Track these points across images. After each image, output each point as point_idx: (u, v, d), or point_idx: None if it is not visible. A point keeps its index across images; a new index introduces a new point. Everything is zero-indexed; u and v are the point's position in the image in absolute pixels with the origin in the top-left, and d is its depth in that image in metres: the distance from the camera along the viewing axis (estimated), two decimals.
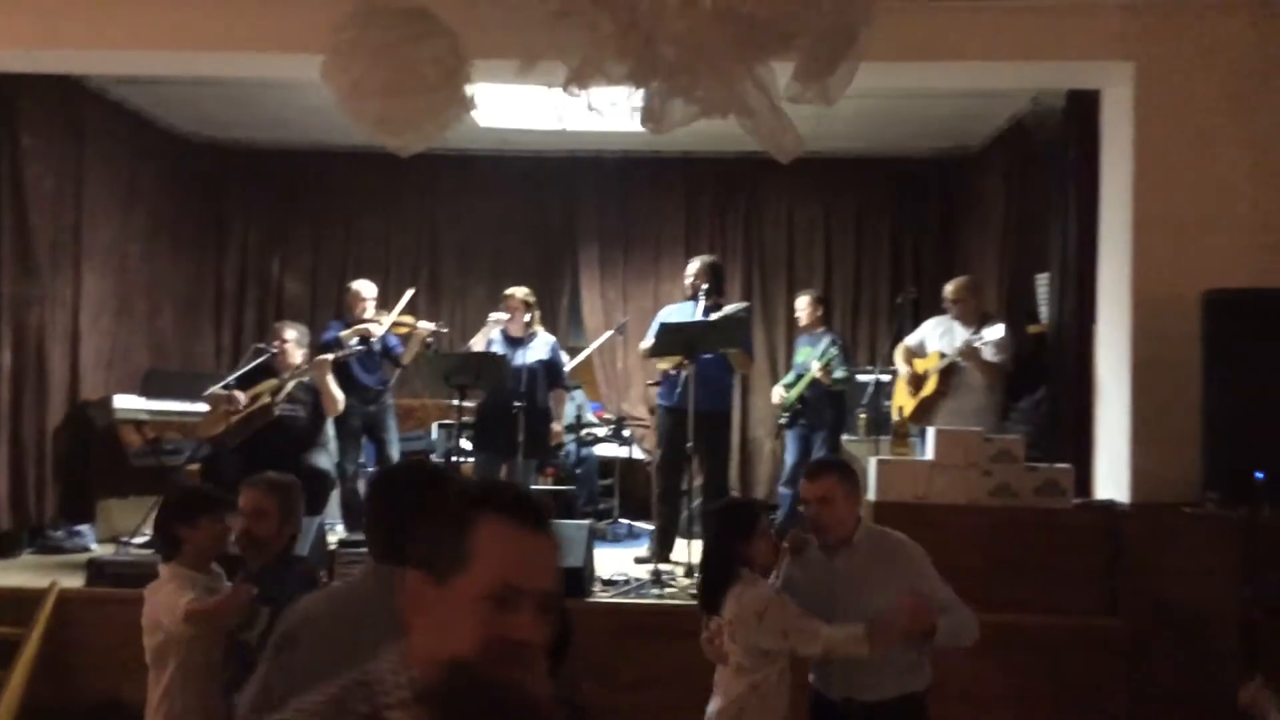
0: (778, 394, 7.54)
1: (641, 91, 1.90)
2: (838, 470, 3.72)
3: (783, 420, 7.56)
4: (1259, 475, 4.94)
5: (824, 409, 7.35)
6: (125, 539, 6.74)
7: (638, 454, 8.39)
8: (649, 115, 2.01)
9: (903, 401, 6.84)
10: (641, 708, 5.22)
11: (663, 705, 5.08)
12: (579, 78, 1.93)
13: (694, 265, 7.07)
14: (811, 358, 7.29)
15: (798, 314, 7.67)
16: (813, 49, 1.93)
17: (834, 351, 7.16)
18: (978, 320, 6.71)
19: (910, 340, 7.06)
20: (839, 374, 7.19)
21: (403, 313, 7.50)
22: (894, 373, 7.05)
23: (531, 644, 1.44)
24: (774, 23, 1.76)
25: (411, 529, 1.58)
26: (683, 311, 6.94)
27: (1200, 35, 5.78)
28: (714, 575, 3.64)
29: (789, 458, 7.65)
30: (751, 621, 3.46)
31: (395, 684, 1.48)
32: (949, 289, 6.91)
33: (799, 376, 7.41)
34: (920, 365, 6.80)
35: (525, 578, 1.45)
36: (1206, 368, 5.32)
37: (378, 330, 7.28)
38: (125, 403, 7.68)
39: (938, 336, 6.85)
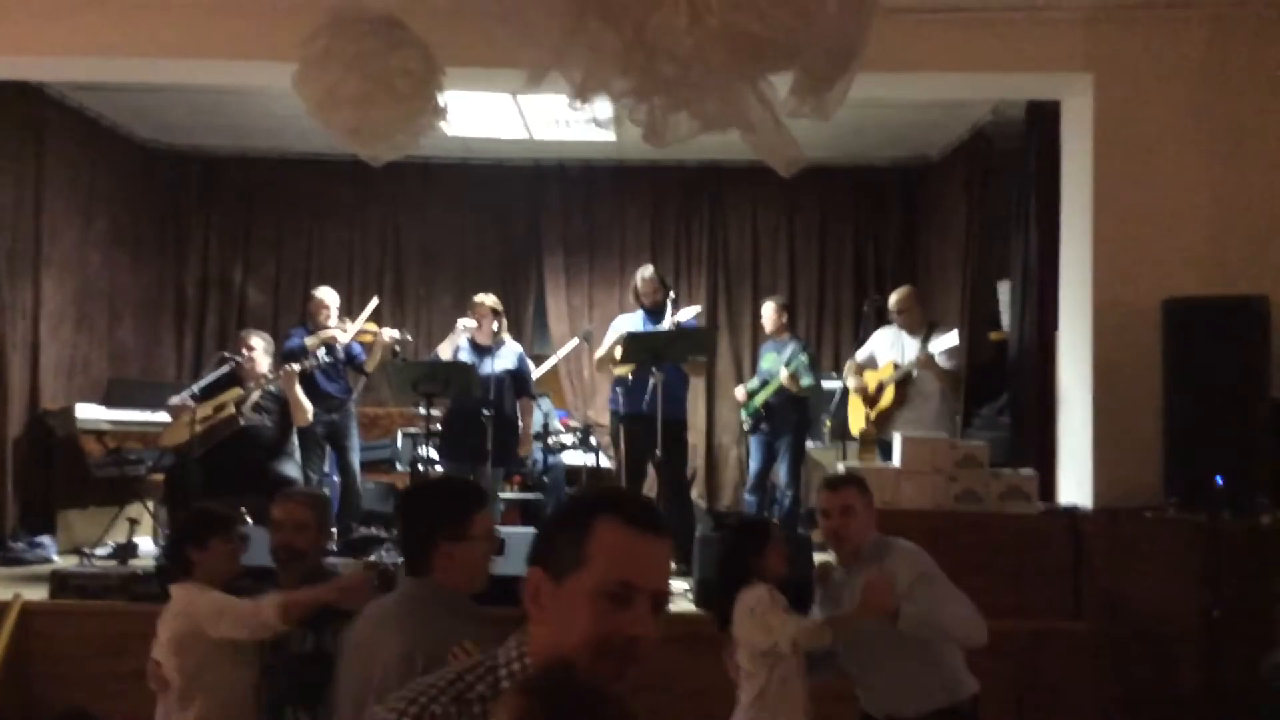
0: (740, 393, 7.55)
1: (645, 106, 1.93)
2: (857, 482, 3.82)
3: (746, 425, 7.59)
4: (1219, 480, 5.04)
5: (788, 415, 7.38)
6: (87, 550, 6.65)
7: (604, 462, 8.40)
8: (650, 129, 2.04)
9: (857, 415, 6.91)
10: None
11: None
12: (583, 92, 1.95)
13: (648, 274, 7.10)
14: (778, 364, 7.32)
15: (763, 320, 7.69)
16: (812, 66, 1.97)
17: (802, 359, 7.20)
18: (925, 328, 6.82)
19: (860, 355, 7.15)
20: (806, 381, 7.22)
21: (367, 320, 7.46)
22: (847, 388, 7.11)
23: (644, 639, 1.52)
24: (777, 41, 1.79)
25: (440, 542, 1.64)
26: (635, 321, 6.98)
27: (1158, 47, 5.90)
28: (729, 589, 3.67)
29: (753, 464, 7.68)
30: (745, 618, 3.52)
31: (509, 672, 1.59)
32: (894, 299, 7.00)
33: (764, 382, 7.44)
34: (873, 377, 6.87)
35: (640, 576, 1.55)
36: (1166, 374, 5.44)
37: (343, 338, 7.23)
38: (86, 412, 7.58)
39: (888, 347, 6.94)
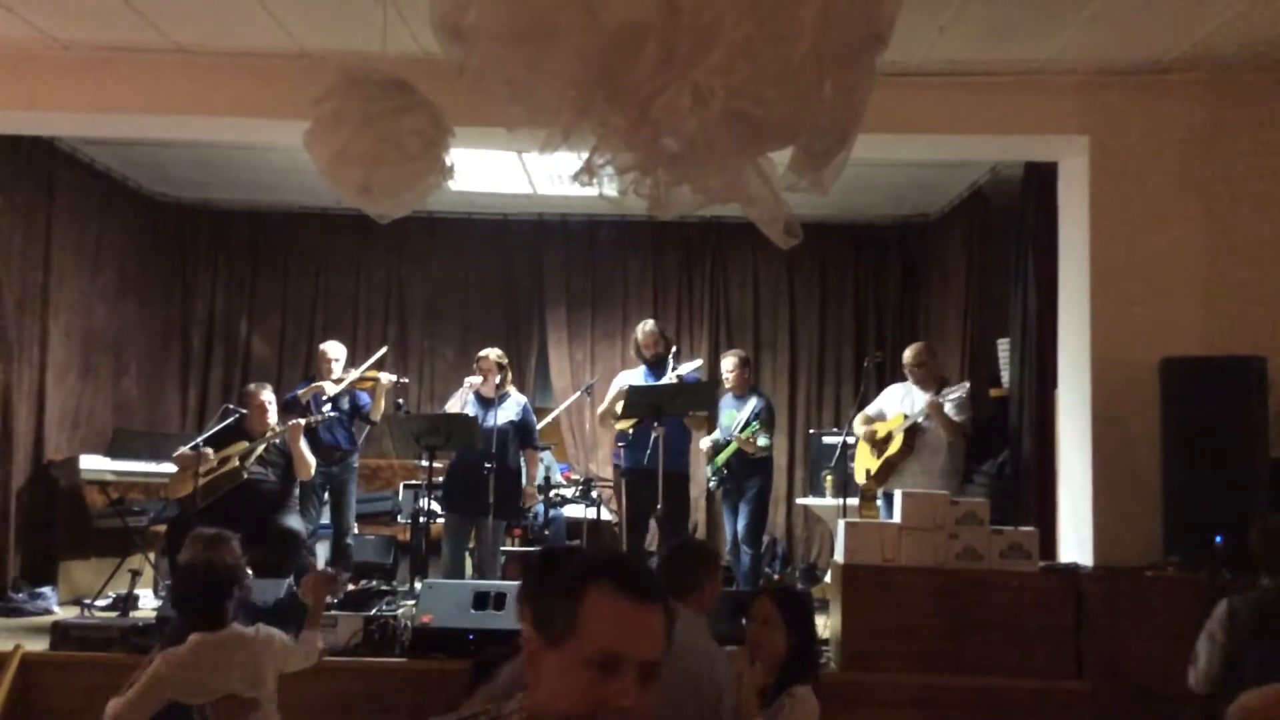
0: (706, 445, 7.38)
1: (648, 179, 2.00)
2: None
3: (712, 483, 7.48)
4: (1218, 539, 5.06)
5: (750, 476, 7.25)
6: (88, 601, 6.65)
7: (605, 515, 8.41)
8: (654, 202, 2.11)
9: (867, 464, 6.90)
10: None
11: None
12: (589, 168, 2.02)
13: (649, 328, 7.15)
14: (734, 422, 7.28)
15: (724, 376, 7.49)
16: (810, 144, 2.04)
17: (755, 425, 7.13)
18: (936, 384, 6.82)
19: (870, 409, 7.09)
20: (763, 442, 7.14)
21: (369, 368, 7.50)
22: (856, 438, 7.08)
23: (629, 710, 1.50)
24: (776, 123, 1.86)
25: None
26: (637, 375, 7.02)
27: (1153, 110, 6.01)
28: None
29: (728, 528, 7.55)
30: None
31: None
32: (908, 355, 7.00)
33: (727, 441, 7.27)
34: (883, 427, 6.88)
35: (628, 645, 1.52)
36: (1165, 434, 5.47)
37: (331, 389, 7.26)
38: (91, 463, 7.61)
39: (898, 401, 6.94)
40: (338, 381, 7.34)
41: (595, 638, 1.52)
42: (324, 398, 7.25)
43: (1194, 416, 5.36)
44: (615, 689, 1.50)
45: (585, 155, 1.98)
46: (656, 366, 7.02)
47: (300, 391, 7.22)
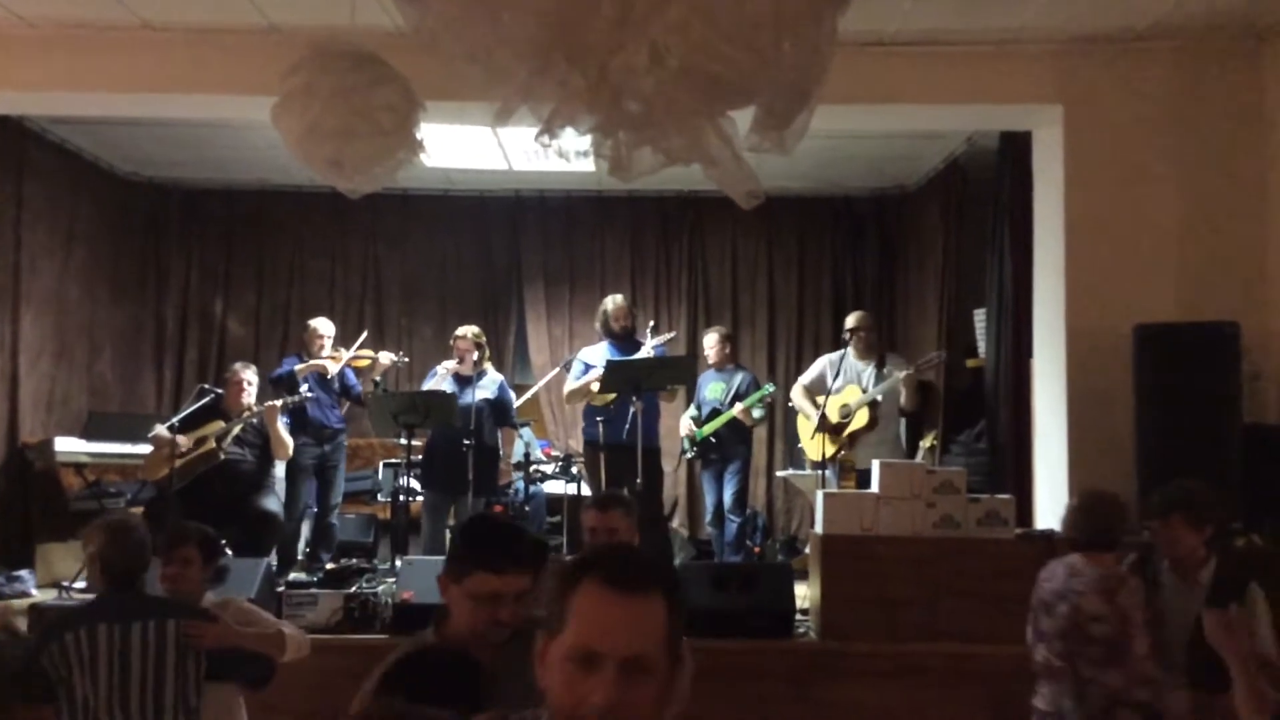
0: (686, 425, 7.47)
1: (609, 140, 1.99)
2: (623, 504, 3.73)
3: (689, 454, 7.54)
4: None
5: (735, 444, 7.37)
6: (66, 583, 6.62)
7: (586, 491, 8.41)
8: (616, 164, 2.09)
9: (812, 438, 6.93)
10: None
11: None
12: (550, 128, 2.01)
13: (619, 301, 7.17)
14: (724, 394, 7.32)
15: (706, 351, 7.60)
16: (771, 104, 2.03)
17: (769, 388, 7.27)
18: (875, 354, 6.92)
19: (805, 379, 7.20)
20: (758, 414, 7.27)
21: (360, 348, 7.48)
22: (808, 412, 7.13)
23: (603, 706, 1.47)
24: (735, 80, 1.85)
25: None
26: (601, 352, 7.01)
27: (1126, 79, 6.02)
28: None
29: (710, 497, 7.62)
30: None
31: None
32: (851, 320, 7.08)
33: (713, 411, 7.37)
34: (835, 401, 6.91)
35: (605, 641, 1.50)
36: (1139, 399, 5.51)
37: (333, 368, 7.23)
38: (66, 445, 7.56)
39: (840, 373, 7.01)
40: (334, 359, 7.29)
41: (576, 633, 1.51)
42: (329, 377, 7.21)
43: (1168, 383, 5.40)
44: (591, 685, 1.48)
45: (545, 116, 1.97)
46: (624, 341, 6.99)
47: (297, 368, 7.14)
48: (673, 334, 7.81)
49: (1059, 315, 6.06)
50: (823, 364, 7.20)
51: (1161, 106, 6.02)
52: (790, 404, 8.94)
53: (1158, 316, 5.62)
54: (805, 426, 7.09)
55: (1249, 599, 3.62)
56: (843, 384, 6.96)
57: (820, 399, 6.92)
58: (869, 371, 6.95)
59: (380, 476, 8.55)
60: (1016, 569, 5.56)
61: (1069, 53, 6.01)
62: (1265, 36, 5.94)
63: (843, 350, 7.02)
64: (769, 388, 7.32)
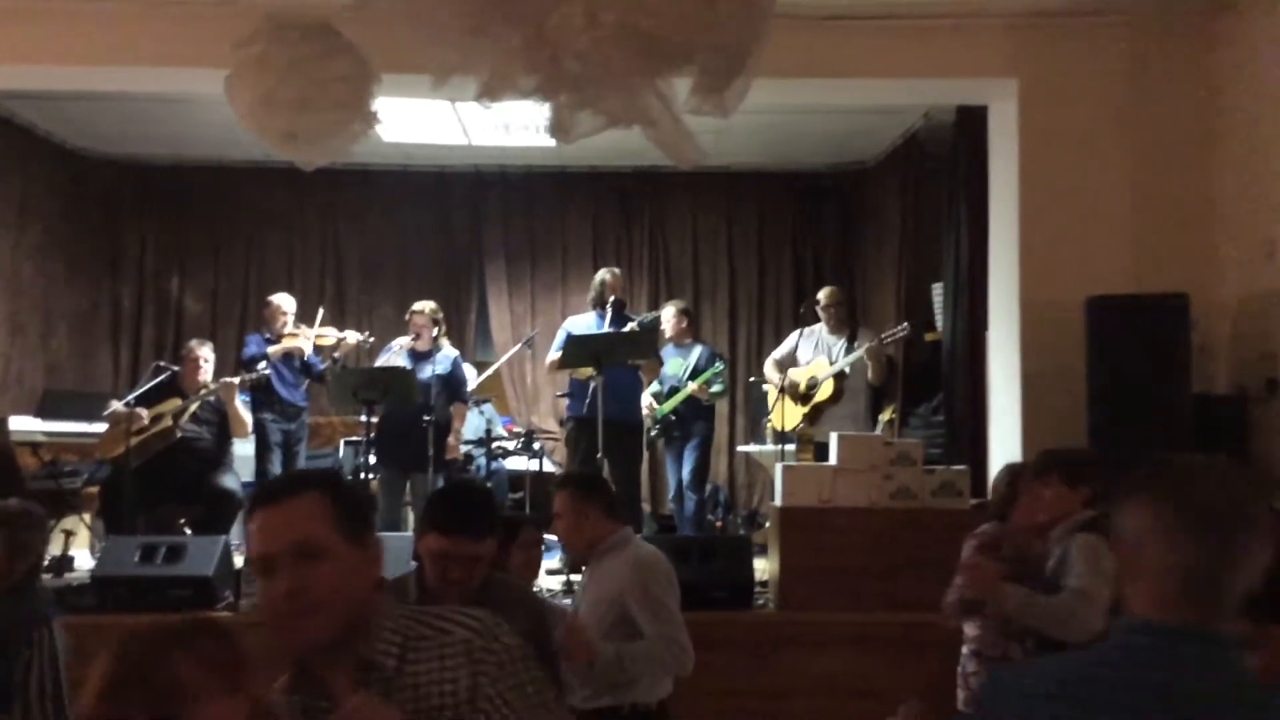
0: (647, 402, 7.34)
1: (549, 104, 2.00)
2: (571, 485, 3.74)
3: (654, 431, 7.54)
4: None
5: (695, 421, 7.33)
6: None
7: (548, 467, 8.43)
8: (557, 126, 2.11)
9: (783, 412, 6.97)
10: None
11: None
12: (489, 91, 2.01)
13: (617, 271, 7.19)
14: (682, 369, 7.29)
15: (663, 325, 7.47)
16: (709, 65, 2.04)
17: (717, 367, 7.22)
18: (845, 328, 6.97)
19: (778, 353, 7.24)
20: (716, 389, 7.25)
21: (323, 326, 7.43)
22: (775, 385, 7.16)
23: (284, 591, 1.67)
24: (672, 40, 1.86)
25: None
26: (586, 323, 6.99)
27: (1081, 53, 6.07)
28: None
29: (671, 476, 7.64)
30: None
31: None
32: (823, 296, 7.13)
33: (672, 389, 7.32)
34: (803, 374, 6.97)
35: (266, 544, 1.72)
36: (1090, 371, 5.58)
37: (307, 347, 7.17)
38: (21, 424, 7.47)
39: (810, 347, 7.06)
40: (292, 336, 7.22)
41: (252, 549, 1.76)
42: (307, 358, 7.16)
43: (1117, 354, 5.47)
44: (274, 584, 1.69)
45: (485, 78, 1.98)
46: (615, 314, 6.89)
47: (271, 350, 7.06)
48: (657, 314, 7.75)
49: (1013, 288, 6.13)
50: (795, 338, 7.24)
51: (1115, 80, 6.07)
52: (751, 379, 9.03)
53: (1110, 289, 5.68)
54: (778, 401, 7.11)
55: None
56: (814, 357, 7.01)
57: (789, 371, 6.98)
58: (840, 345, 7.00)
59: (341, 455, 8.52)
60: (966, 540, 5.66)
61: (1024, 26, 6.05)
62: (1218, 9, 6.01)
63: (817, 325, 7.10)
64: (719, 365, 7.29)
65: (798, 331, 7.29)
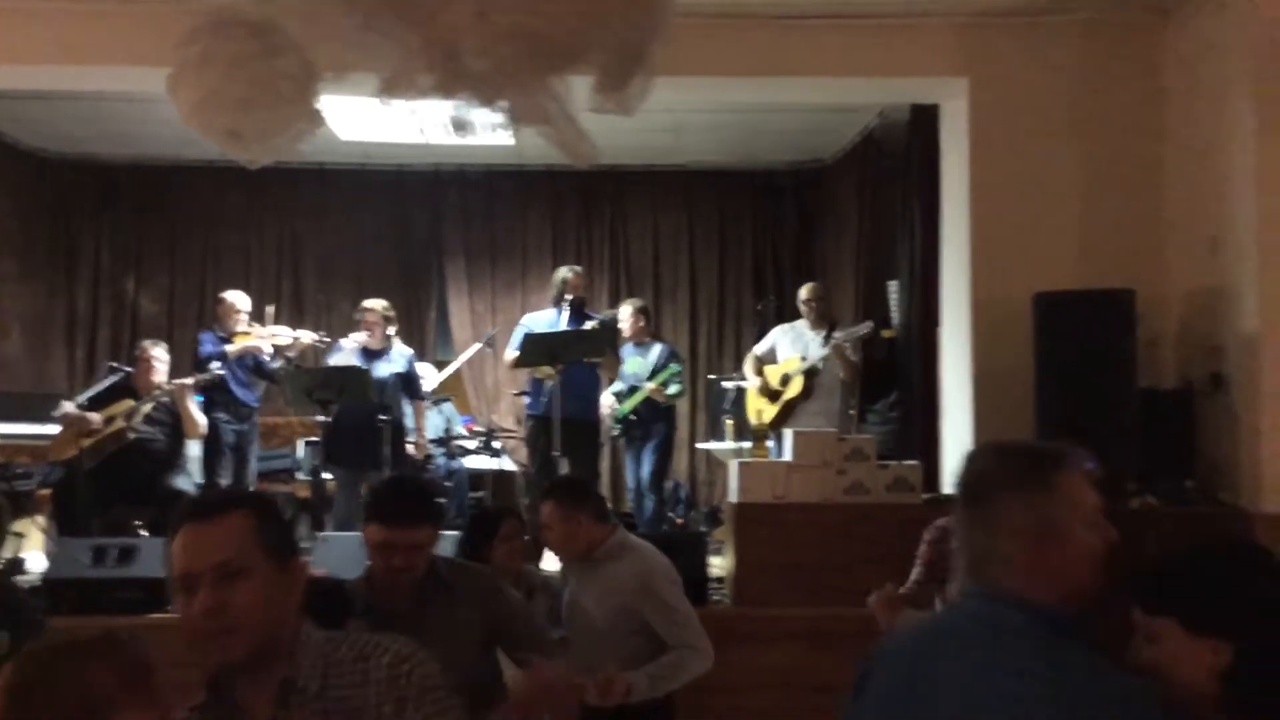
0: (608, 402, 7.30)
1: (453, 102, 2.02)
2: (555, 495, 3.74)
3: (615, 431, 7.52)
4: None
5: (654, 423, 7.28)
6: None
7: (509, 465, 8.42)
8: (459, 123, 2.14)
9: (760, 407, 7.00)
10: None
11: None
12: (389, 89, 2.03)
13: (580, 270, 7.19)
14: (641, 369, 7.25)
15: (621, 324, 7.39)
16: (605, 65, 2.06)
17: (674, 368, 7.20)
18: (826, 324, 6.97)
19: (759, 349, 7.24)
20: (673, 389, 7.23)
21: (276, 324, 7.36)
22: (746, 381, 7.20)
23: (202, 610, 1.69)
24: (562, 39, 1.88)
25: None
26: (545, 320, 6.98)
27: (1031, 51, 6.13)
28: None
29: (630, 478, 7.59)
30: None
31: None
32: (804, 292, 7.13)
33: (632, 388, 7.26)
34: (775, 371, 6.99)
35: (191, 563, 1.73)
36: (1039, 366, 5.64)
37: (266, 347, 7.08)
38: None
39: (789, 342, 7.06)
40: (245, 334, 7.14)
41: (174, 568, 1.75)
42: (262, 356, 7.07)
43: (1065, 349, 5.53)
44: (196, 602, 1.70)
45: (385, 75, 1.99)
46: (575, 313, 6.87)
47: (229, 349, 6.96)
48: (616, 311, 7.71)
49: (964, 286, 6.19)
50: (775, 334, 7.24)
51: (1065, 79, 6.14)
52: (711, 376, 9.05)
53: (1059, 285, 5.74)
54: (753, 397, 7.12)
55: None
56: (793, 353, 7.00)
57: (764, 369, 7.01)
58: (818, 341, 6.94)
59: (300, 455, 8.48)
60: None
61: (975, 26, 6.11)
62: (1167, 11, 6.08)
63: (799, 320, 7.08)
64: (674, 366, 7.29)
65: (779, 328, 7.28)
